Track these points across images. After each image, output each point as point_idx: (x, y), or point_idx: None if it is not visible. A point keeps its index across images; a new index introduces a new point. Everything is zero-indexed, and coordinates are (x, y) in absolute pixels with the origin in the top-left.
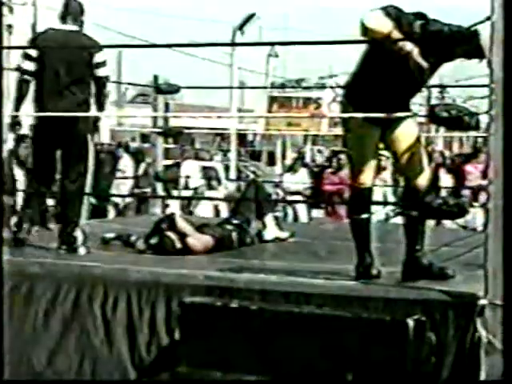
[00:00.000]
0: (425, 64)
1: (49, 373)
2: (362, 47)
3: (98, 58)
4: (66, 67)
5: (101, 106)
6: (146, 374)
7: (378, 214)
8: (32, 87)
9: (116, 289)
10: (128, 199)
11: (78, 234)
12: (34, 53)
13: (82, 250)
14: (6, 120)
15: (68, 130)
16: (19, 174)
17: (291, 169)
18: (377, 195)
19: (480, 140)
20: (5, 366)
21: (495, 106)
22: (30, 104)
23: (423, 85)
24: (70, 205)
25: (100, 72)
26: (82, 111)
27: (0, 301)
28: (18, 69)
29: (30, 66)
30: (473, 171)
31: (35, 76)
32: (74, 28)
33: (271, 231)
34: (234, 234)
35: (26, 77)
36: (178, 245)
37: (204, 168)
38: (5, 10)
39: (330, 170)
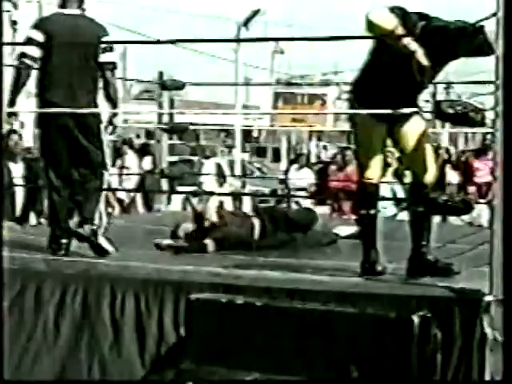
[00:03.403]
0: (427, 64)
1: (59, 372)
2: (368, 44)
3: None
4: (76, 53)
5: (110, 98)
6: (153, 370)
7: (387, 210)
8: (33, 75)
9: (123, 286)
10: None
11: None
12: (40, 37)
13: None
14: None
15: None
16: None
17: (301, 166)
18: (385, 191)
19: (489, 136)
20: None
21: (501, 102)
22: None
23: (426, 84)
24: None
25: (105, 57)
26: (90, 100)
27: (0, 300)
28: (22, 55)
29: (34, 51)
30: (482, 167)
31: (41, 62)
32: (80, 12)
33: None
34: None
35: (27, 61)
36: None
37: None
38: (9, 5)
39: (334, 167)
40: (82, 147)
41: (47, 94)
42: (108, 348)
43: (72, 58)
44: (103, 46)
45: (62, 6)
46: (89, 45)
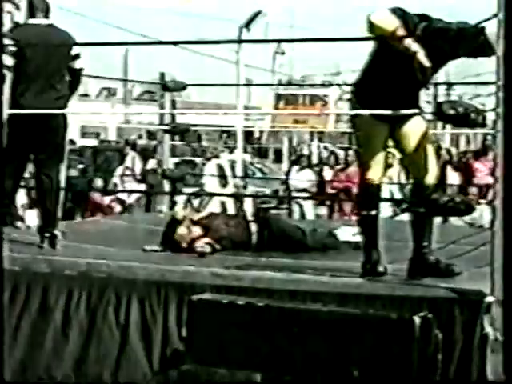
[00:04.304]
0: (428, 65)
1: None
2: (368, 45)
3: (73, 51)
4: (46, 61)
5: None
6: (157, 372)
7: (384, 210)
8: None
9: (125, 287)
10: (134, 197)
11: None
12: (11, 46)
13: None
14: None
15: (47, 124)
16: None
17: (302, 167)
18: (383, 192)
19: (489, 137)
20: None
21: (501, 103)
22: None
23: (426, 83)
24: (49, 201)
25: (75, 65)
26: (61, 105)
27: (0, 301)
28: None
29: (7, 60)
30: (482, 168)
31: (14, 69)
32: (48, 22)
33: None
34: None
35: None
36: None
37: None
38: (11, 6)
39: (336, 168)
40: (45, 148)
41: (21, 98)
42: (115, 350)
43: (43, 65)
44: (72, 54)
45: (31, 16)
46: (59, 52)
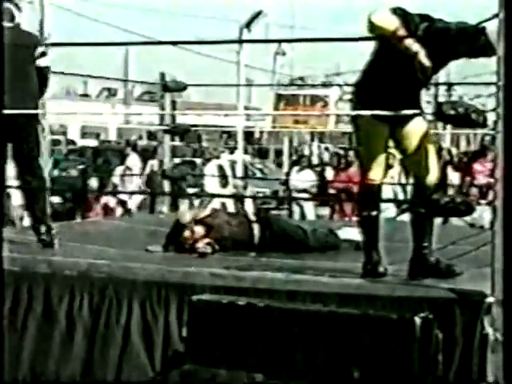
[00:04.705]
0: (429, 65)
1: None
2: (369, 45)
3: (39, 49)
4: (11, 63)
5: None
6: (158, 372)
7: (387, 211)
8: None
9: (126, 287)
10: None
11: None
12: None
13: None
14: None
15: (21, 124)
16: None
17: (302, 168)
18: (387, 193)
19: (487, 138)
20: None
21: (501, 103)
22: None
23: (427, 83)
24: (37, 200)
25: (42, 62)
26: (31, 103)
27: (0, 301)
28: None
29: None
30: (481, 169)
31: None
32: (13, 25)
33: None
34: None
35: None
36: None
37: None
38: (11, 7)
39: (336, 168)
40: (23, 149)
41: None
42: (117, 351)
43: (8, 67)
44: (39, 51)
45: None
46: (23, 52)
